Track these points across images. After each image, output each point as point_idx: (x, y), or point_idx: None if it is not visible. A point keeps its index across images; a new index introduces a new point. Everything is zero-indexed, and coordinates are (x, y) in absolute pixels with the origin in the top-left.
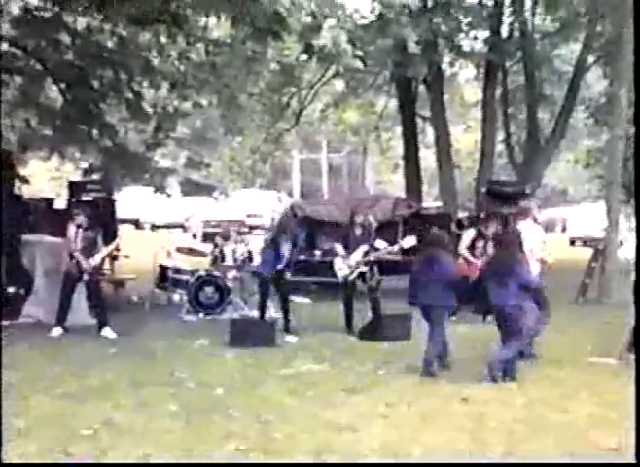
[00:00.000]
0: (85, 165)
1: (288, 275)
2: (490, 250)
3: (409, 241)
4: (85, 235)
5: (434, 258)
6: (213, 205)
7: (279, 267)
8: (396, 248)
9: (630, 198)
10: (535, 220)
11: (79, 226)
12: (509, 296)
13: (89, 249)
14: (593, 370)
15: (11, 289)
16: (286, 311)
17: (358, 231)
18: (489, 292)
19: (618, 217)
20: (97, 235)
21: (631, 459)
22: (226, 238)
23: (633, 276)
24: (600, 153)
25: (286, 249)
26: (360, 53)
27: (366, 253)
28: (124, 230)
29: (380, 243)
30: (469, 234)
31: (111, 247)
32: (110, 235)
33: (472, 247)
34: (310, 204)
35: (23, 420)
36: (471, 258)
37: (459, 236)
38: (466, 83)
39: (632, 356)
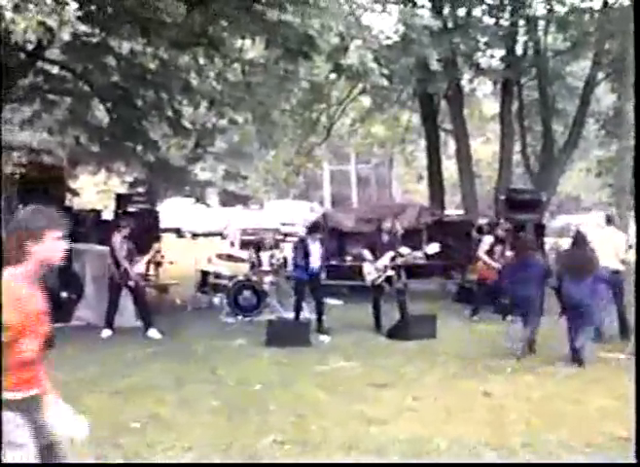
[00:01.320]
0: (130, 179)
1: (321, 279)
2: (508, 253)
3: (433, 248)
4: (130, 244)
5: (528, 259)
6: (250, 215)
7: (314, 270)
8: (420, 254)
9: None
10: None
11: (125, 236)
12: (584, 289)
13: (133, 257)
14: (605, 365)
15: (63, 294)
16: (320, 313)
17: (385, 237)
18: (566, 287)
19: (627, 222)
20: (142, 244)
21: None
22: (262, 245)
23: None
24: (610, 162)
25: (315, 251)
26: (385, 71)
27: (392, 258)
28: (166, 238)
29: (405, 249)
30: (487, 241)
31: (151, 253)
32: (153, 244)
33: (490, 251)
34: (341, 213)
35: None
36: (490, 261)
37: (479, 242)
38: (484, 98)
39: None
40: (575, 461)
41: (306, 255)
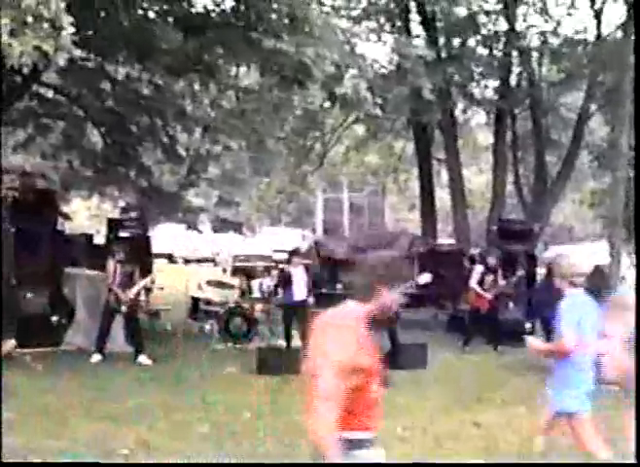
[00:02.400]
0: (122, 204)
1: (309, 306)
2: (501, 283)
3: (425, 278)
4: (123, 270)
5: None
6: (241, 241)
7: (299, 298)
8: (411, 284)
9: (631, 237)
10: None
11: (118, 261)
12: None
13: (127, 282)
14: (599, 396)
15: (53, 318)
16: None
17: None
18: None
19: (619, 254)
20: (134, 269)
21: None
22: (253, 273)
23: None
24: (603, 194)
25: (299, 279)
26: (379, 100)
27: None
28: (158, 264)
29: None
30: (477, 270)
31: (146, 280)
32: (146, 269)
33: (481, 281)
34: (333, 241)
35: (63, 442)
36: (481, 291)
37: (471, 272)
38: (478, 128)
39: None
40: None
41: (289, 283)
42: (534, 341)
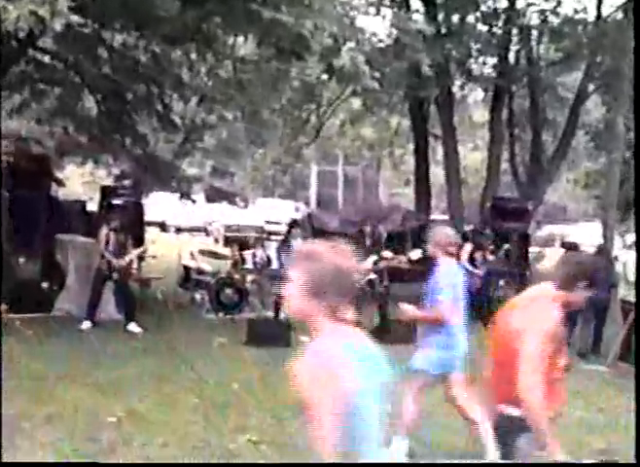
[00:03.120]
0: (117, 171)
1: None
2: (490, 258)
3: (416, 253)
4: (115, 237)
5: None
6: (234, 212)
7: None
8: (403, 259)
9: (625, 217)
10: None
11: (111, 229)
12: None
13: (119, 250)
14: (586, 377)
15: (44, 284)
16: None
17: (368, 241)
18: None
19: (613, 235)
20: (127, 238)
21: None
22: (245, 243)
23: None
24: (598, 175)
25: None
26: (376, 74)
27: (375, 262)
28: (150, 232)
29: (388, 253)
30: (466, 248)
31: (139, 250)
32: (138, 237)
33: (471, 259)
34: (326, 214)
35: (51, 408)
36: (471, 268)
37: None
38: (475, 105)
39: (622, 364)
40: None
41: (287, 255)
42: (408, 308)
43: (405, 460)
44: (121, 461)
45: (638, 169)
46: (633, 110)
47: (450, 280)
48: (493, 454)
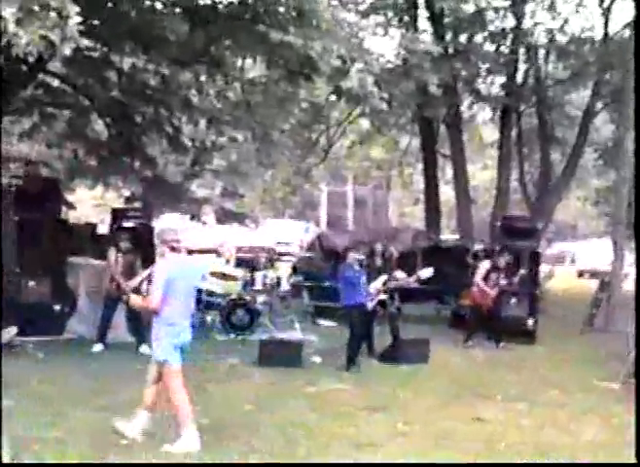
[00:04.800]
0: (127, 194)
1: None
2: (502, 281)
3: (427, 272)
4: (125, 259)
5: None
6: (245, 233)
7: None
8: (414, 278)
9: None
10: None
11: (120, 250)
12: None
13: (129, 272)
14: (598, 394)
15: (56, 307)
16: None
17: (378, 260)
18: None
19: (623, 252)
20: (136, 259)
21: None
22: (256, 265)
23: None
24: (608, 192)
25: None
26: (385, 94)
27: (385, 282)
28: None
29: (399, 274)
30: (484, 266)
31: (148, 271)
32: (149, 259)
33: (486, 278)
34: (336, 234)
35: (62, 431)
36: (485, 288)
37: (474, 268)
38: (483, 124)
39: (633, 381)
40: None
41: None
42: (136, 298)
43: (139, 434)
44: None
45: (638, 169)
46: (634, 129)
47: (169, 275)
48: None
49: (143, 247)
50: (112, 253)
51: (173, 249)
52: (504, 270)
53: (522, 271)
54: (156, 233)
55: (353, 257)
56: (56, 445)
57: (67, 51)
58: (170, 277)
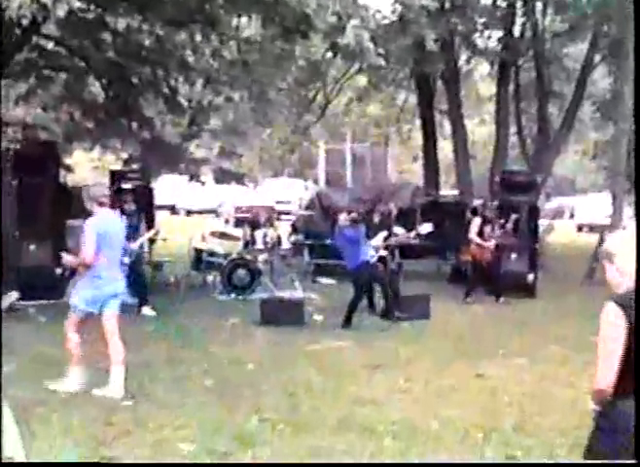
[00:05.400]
0: (125, 156)
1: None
2: (498, 232)
3: (426, 228)
4: (128, 221)
5: None
6: (244, 192)
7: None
8: (413, 234)
9: (633, 188)
10: None
11: (124, 213)
12: None
13: (132, 234)
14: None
15: (58, 270)
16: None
17: (377, 218)
18: None
19: (622, 205)
20: (139, 221)
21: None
22: (256, 224)
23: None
24: (606, 145)
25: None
26: (382, 50)
27: (385, 238)
28: (160, 215)
29: (398, 229)
30: (476, 221)
31: (151, 233)
32: (148, 221)
33: (480, 232)
34: (335, 192)
35: (66, 394)
36: (481, 242)
37: (470, 224)
38: (481, 79)
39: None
40: (565, 443)
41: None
42: (67, 257)
43: (77, 387)
44: (137, 444)
45: (638, 124)
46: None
47: (99, 229)
48: (114, 391)
49: (143, 209)
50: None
51: (101, 204)
52: (496, 222)
53: (515, 216)
54: (84, 189)
55: (344, 218)
56: (62, 408)
57: (60, 12)
58: (99, 232)
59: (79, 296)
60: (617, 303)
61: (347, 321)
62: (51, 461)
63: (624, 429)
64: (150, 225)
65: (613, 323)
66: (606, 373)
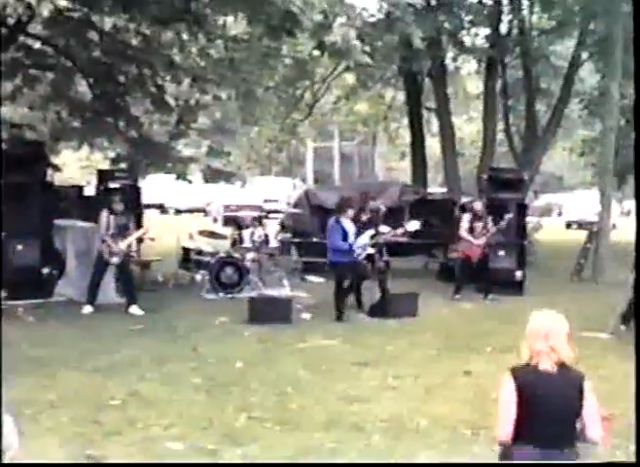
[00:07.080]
0: (112, 155)
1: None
2: (492, 229)
3: (413, 225)
4: (116, 221)
5: None
6: (232, 191)
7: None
8: (400, 231)
9: (621, 185)
10: None
11: (111, 212)
12: None
13: (120, 233)
14: (586, 344)
15: (45, 270)
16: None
17: (365, 216)
18: None
19: (610, 202)
20: (128, 221)
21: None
22: (244, 223)
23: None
24: (594, 142)
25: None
26: (368, 48)
27: (372, 236)
28: (149, 214)
29: (385, 228)
30: (465, 218)
31: (140, 232)
32: (137, 220)
33: (471, 229)
34: (323, 191)
35: (54, 393)
36: (472, 239)
37: (460, 221)
38: (468, 76)
39: (623, 327)
40: None
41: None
42: None
43: None
44: (126, 443)
45: (638, 160)
46: (634, 84)
47: None
48: None
49: (131, 208)
50: (103, 215)
51: None
52: (486, 219)
53: (507, 216)
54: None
55: (333, 220)
56: (50, 407)
57: (45, 11)
58: None
59: None
60: (511, 372)
61: (339, 314)
62: (43, 462)
63: None
64: (138, 224)
65: (505, 388)
66: (503, 426)
